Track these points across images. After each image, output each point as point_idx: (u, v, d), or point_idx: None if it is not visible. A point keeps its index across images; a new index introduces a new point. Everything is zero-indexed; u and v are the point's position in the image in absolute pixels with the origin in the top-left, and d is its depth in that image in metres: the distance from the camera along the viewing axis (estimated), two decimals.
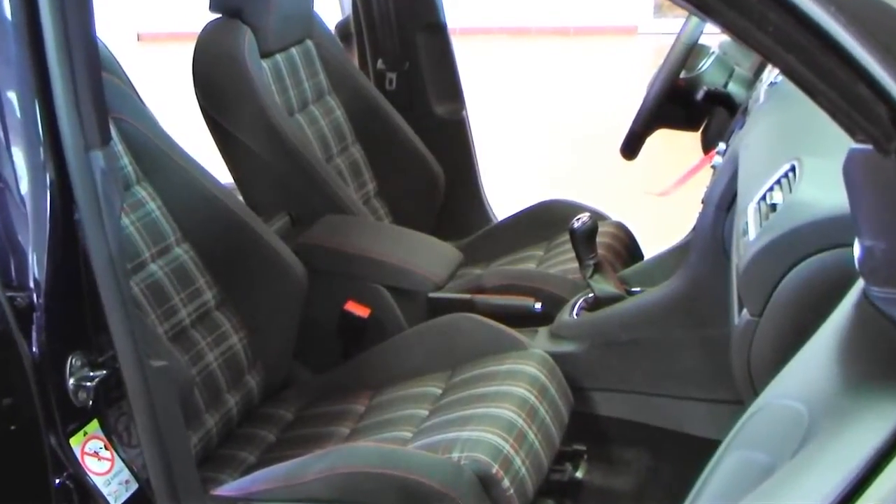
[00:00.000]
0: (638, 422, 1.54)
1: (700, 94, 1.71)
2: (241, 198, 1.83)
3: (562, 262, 1.88)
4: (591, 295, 1.60)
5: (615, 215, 2.08)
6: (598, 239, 1.62)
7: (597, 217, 1.68)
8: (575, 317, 1.60)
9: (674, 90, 1.68)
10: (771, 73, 1.50)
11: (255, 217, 1.56)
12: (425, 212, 2.12)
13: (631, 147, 1.76)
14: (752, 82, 1.71)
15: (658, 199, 2.17)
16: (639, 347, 1.51)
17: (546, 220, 2.03)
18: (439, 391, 1.43)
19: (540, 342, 1.58)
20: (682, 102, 1.72)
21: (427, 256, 1.75)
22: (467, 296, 1.72)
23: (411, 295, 1.70)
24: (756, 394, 0.91)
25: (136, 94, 1.53)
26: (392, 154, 2.07)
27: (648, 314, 1.50)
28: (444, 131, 2.24)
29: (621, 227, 2.00)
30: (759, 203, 1.10)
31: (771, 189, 1.09)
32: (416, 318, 1.65)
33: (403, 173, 2.08)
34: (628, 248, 1.95)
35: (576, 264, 1.62)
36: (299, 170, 1.82)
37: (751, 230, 1.07)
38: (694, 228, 1.54)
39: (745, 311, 1.06)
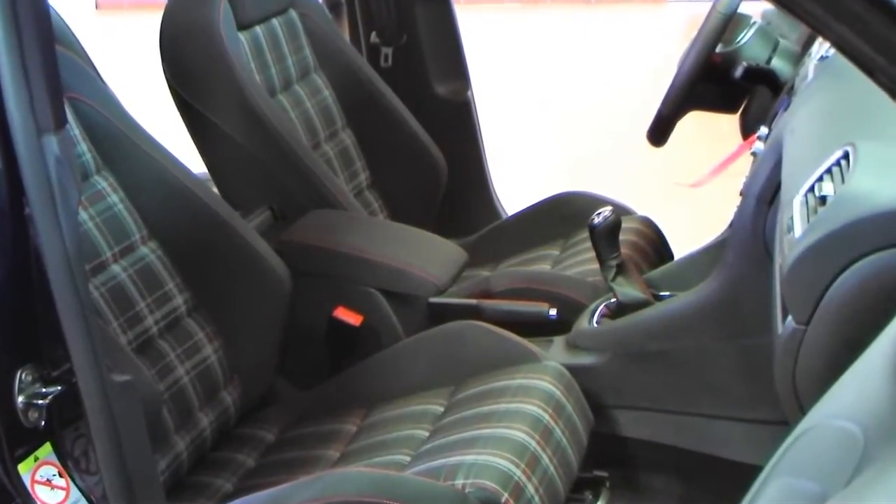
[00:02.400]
0: (667, 444, 1.54)
1: (739, 71, 1.70)
2: (215, 190, 1.83)
3: (580, 262, 1.87)
4: (613, 300, 1.60)
5: (641, 209, 2.08)
6: (622, 236, 1.62)
7: (620, 211, 1.67)
8: (595, 325, 1.60)
9: (709, 67, 1.67)
10: (821, 47, 1.49)
11: (232, 212, 1.56)
12: (425, 206, 2.12)
13: (659, 132, 1.76)
14: (799, 57, 1.71)
15: (690, 192, 2.17)
16: (668, 360, 1.51)
17: (562, 216, 2.03)
18: (441, 409, 1.43)
19: (555, 353, 1.58)
20: (718, 81, 1.72)
21: (427, 256, 1.75)
22: (473, 301, 1.72)
23: (409, 300, 1.69)
24: (803, 413, 0.90)
25: (95, 70, 1.53)
26: (387, 140, 2.07)
27: (679, 322, 1.50)
28: (446, 114, 2.24)
29: (648, 223, 2.00)
30: (806, 195, 1.09)
31: (820, 179, 1.09)
32: (414, 325, 1.65)
33: (400, 162, 2.08)
34: (656, 247, 1.95)
35: (596, 265, 1.62)
36: (282, 158, 1.82)
37: (797, 226, 1.07)
38: (731, 224, 1.54)
39: (790, 318, 1.06)
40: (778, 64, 1.72)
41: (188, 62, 1.78)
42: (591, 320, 1.61)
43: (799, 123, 1.30)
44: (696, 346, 1.48)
